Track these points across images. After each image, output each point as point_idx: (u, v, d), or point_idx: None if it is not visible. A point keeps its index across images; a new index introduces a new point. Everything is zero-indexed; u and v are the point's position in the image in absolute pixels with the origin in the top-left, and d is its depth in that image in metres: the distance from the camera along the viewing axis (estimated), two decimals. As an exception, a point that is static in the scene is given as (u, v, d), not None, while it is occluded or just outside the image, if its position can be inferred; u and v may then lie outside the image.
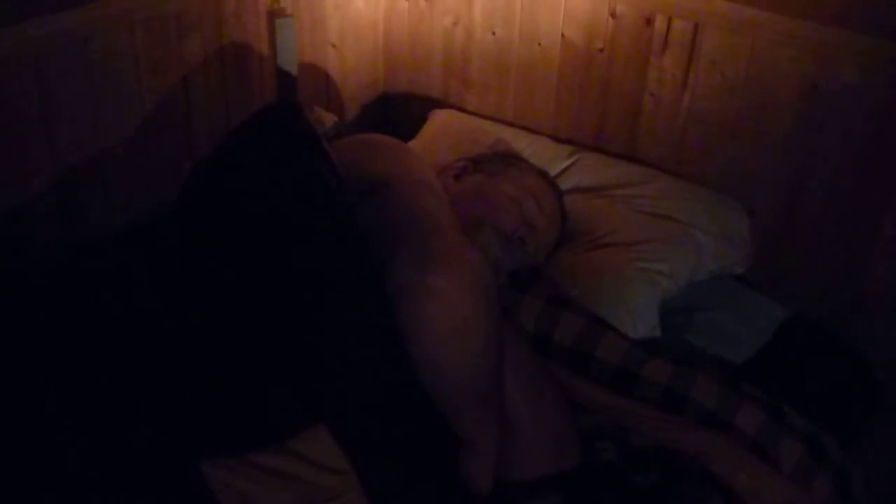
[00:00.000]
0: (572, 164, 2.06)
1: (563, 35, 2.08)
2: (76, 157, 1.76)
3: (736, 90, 1.90)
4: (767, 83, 1.86)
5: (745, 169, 1.95)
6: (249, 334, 1.20)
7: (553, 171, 2.02)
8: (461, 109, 2.28)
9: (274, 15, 2.01)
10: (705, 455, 1.47)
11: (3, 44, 1.59)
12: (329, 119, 2.01)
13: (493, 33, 2.18)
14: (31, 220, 1.72)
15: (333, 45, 2.23)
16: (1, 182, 1.66)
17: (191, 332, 1.21)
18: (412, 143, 2.14)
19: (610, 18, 2.01)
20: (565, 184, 2.00)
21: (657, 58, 1.97)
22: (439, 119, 2.22)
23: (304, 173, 1.29)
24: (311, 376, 1.20)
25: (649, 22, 1.96)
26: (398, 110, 2.41)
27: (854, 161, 1.82)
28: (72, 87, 1.71)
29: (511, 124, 2.21)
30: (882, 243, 1.84)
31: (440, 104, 2.31)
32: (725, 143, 1.95)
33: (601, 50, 2.04)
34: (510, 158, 1.90)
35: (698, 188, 1.98)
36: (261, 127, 1.38)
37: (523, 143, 2.11)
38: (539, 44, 2.12)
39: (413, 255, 1.23)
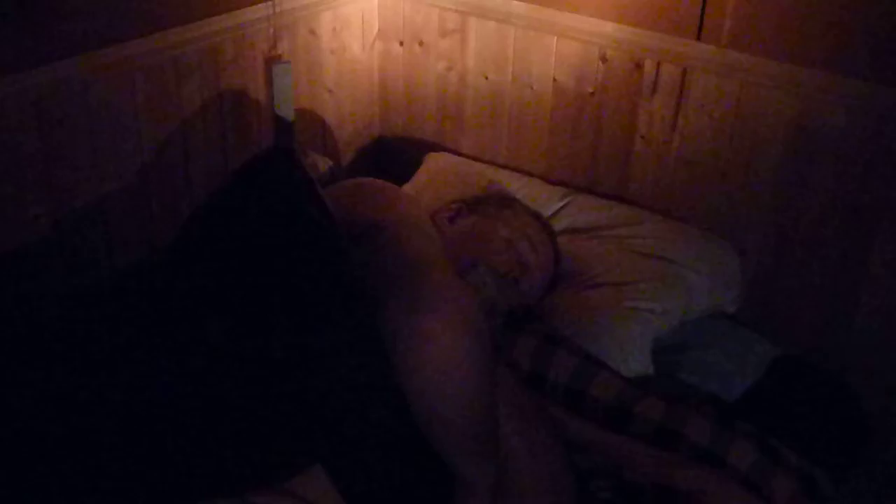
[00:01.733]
0: (565, 205, 2.07)
1: (554, 79, 2.10)
2: (76, 200, 1.77)
3: (724, 132, 1.92)
4: (755, 124, 1.88)
5: (734, 209, 1.97)
6: (248, 378, 1.20)
7: (546, 213, 2.04)
8: (456, 152, 2.30)
9: (271, 61, 2.03)
10: (700, 492, 1.47)
11: (6, 89, 1.61)
12: (324, 163, 2.02)
13: (486, 77, 2.20)
14: (34, 261, 1.73)
15: (329, 91, 2.25)
16: (2, 223, 1.67)
17: (190, 377, 1.21)
18: (407, 186, 2.16)
19: (600, 63, 2.03)
20: (558, 225, 2.02)
21: (647, 101, 2.00)
22: (434, 162, 2.24)
23: (299, 218, 1.30)
24: (308, 419, 1.20)
25: (639, 66, 1.98)
26: (393, 154, 2.43)
27: (842, 201, 1.83)
28: (72, 132, 1.73)
29: (504, 166, 2.23)
30: (868, 282, 1.85)
31: (435, 147, 2.33)
32: (715, 183, 1.97)
33: (592, 93, 2.07)
34: (504, 200, 1.93)
35: (689, 228, 1.99)
36: (256, 173, 1.39)
37: (517, 185, 2.13)
38: (531, 87, 2.14)
39: (405, 297, 1.24)
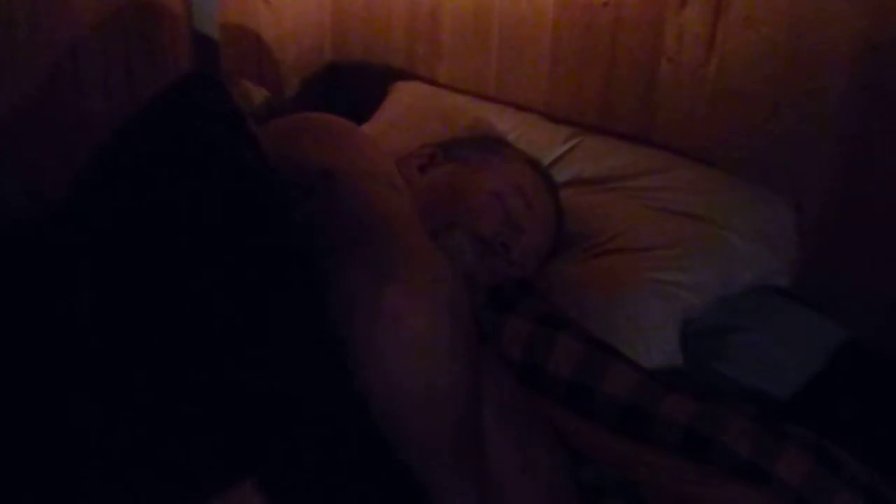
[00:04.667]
0: (571, 149, 2.09)
1: (557, -14, 2.12)
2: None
3: (776, 53, 1.93)
4: (815, 43, 1.89)
5: (789, 153, 1.98)
6: (160, 372, 1.21)
7: (546, 159, 2.05)
8: (430, 82, 2.31)
9: (188, -38, 2.03)
10: (739, 515, 1.50)
11: None
12: (259, 94, 2.02)
13: (470, -16, 2.22)
14: None
15: (266, 0, 2.25)
16: None
17: (86, 368, 1.22)
18: (367, 126, 2.16)
19: (616, -36, 2.04)
20: (562, 174, 2.04)
21: (676, 13, 2.01)
22: (402, 94, 2.24)
23: (225, 165, 1.31)
24: (238, 422, 1.21)
25: (666, -32, 2.00)
26: (349, 84, 2.43)
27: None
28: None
29: (493, 100, 2.24)
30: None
31: (403, 76, 2.34)
32: (764, 119, 1.98)
33: (605, 4, 2.07)
34: (491, 143, 1.94)
35: (730, 178, 2.01)
36: (169, 107, 1.39)
37: (508, 124, 2.14)
38: (527, -3, 2.16)
39: (365, 266, 1.24)
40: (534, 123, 2.16)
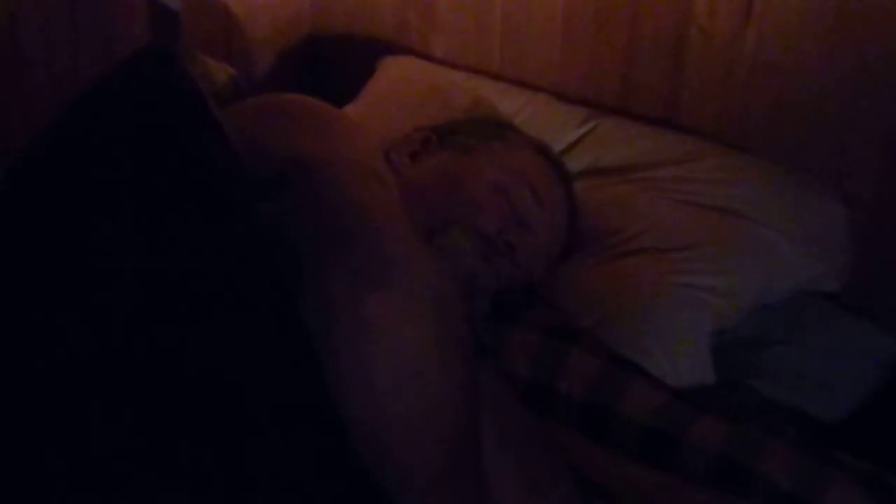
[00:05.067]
0: (586, 133, 2.10)
1: (570, -55, 2.12)
2: None
3: (824, 21, 1.93)
4: (871, 9, 1.89)
5: (839, 138, 1.99)
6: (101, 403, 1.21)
7: (559, 145, 2.05)
8: (425, 57, 2.31)
9: (144, -84, 2.02)
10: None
11: None
12: (224, 73, 2.01)
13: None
14: None
15: (235, -36, 2.26)
16: None
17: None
18: (350, 108, 2.16)
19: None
20: (576, 163, 2.04)
21: (708, -25, 2.01)
22: (391, 71, 2.25)
23: (182, 154, 1.30)
24: (189, 446, 1.21)
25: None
26: (331, 59, 2.44)
27: None
28: None
29: (497, 77, 2.24)
30: None
31: (393, 49, 2.34)
32: (808, 98, 1.99)
33: (626, -34, 2.09)
34: (494, 127, 1.93)
35: (770, 166, 2.01)
36: (121, 88, 1.39)
37: (514, 105, 2.14)
38: (536, -41, 2.16)
39: (342, 272, 1.25)
40: (543, 104, 2.16)
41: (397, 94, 2.18)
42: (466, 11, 2.26)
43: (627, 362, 1.61)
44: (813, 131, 2.01)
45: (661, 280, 1.81)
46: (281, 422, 1.20)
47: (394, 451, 1.26)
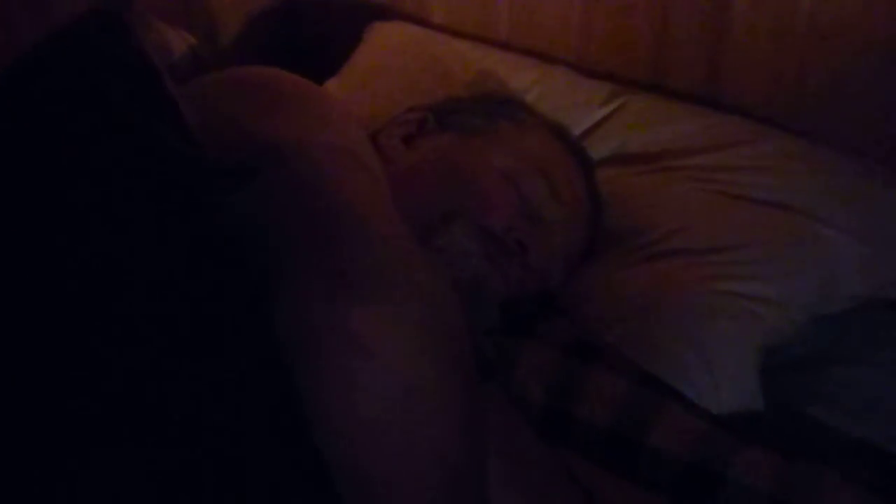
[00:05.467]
0: (612, 113, 2.08)
1: None
2: None
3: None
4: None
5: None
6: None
7: (579, 127, 2.05)
8: (420, 23, 2.31)
9: None
10: None
11: None
12: (182, 42, 2.01)
13: None
14: None
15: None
16: None
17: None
18: (332, 83, 2.17)
19: None
20: (600, 148, 2.03)
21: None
22: (381, 39, 2.25)
23: (131, 135, 1.29)
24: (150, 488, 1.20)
25: None
26: (310, 25, 2.43)
27: None
28: None
29: (505, 47, 2.23)
30: None
31: (384, 14, 2.35)
32: (876, 74, 1.97)
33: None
34: (503, 106, 1.92)
35: (831, 153, 1.99)
36: (58, 58, 1.38)
37: (527, 79, 2.13)
38: None
39: (319, 278, 1.23)
40: (561, 79, 2.15)
41: (388, 66, 2.18)
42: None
43: (660, 385, 1.60)
44: (880, 111, 1.99)
45: (700, 287, 1.79)
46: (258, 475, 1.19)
47: (382, 493, 1.24)
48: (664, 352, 1.69)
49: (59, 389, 1.15)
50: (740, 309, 1.77)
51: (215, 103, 1.48)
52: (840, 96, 2.01)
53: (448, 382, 1.24)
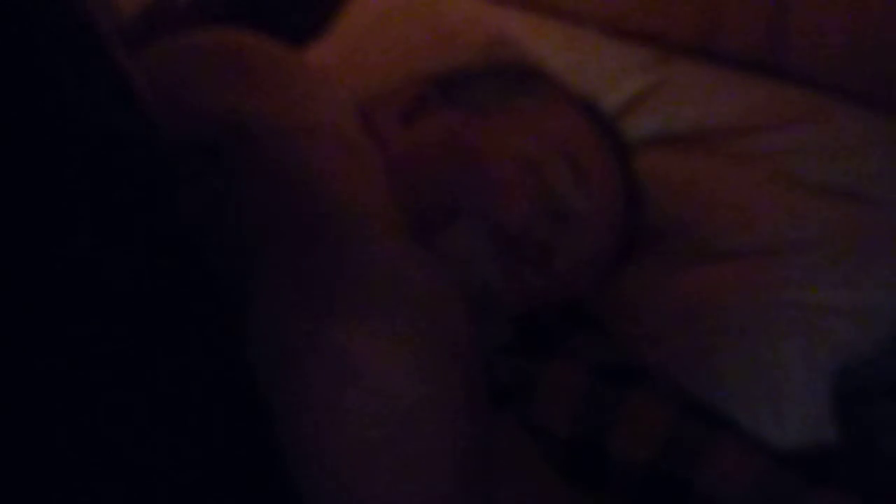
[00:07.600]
0: (653, 86, 2.09)
1: None
2: None
3: None
4: None
5: None
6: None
7: (613, 102, 2.06)
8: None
9: None
10: None
11: None
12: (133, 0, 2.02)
13: None
14: None
15: None
16: None
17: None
18: (315, 52, 2.18)
19: None
20: (637, 127, 2.04)
21: None
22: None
23: (74, 116, 1.30)
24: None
25: None
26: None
27: None
28: None
29: (525, 6, 2.24)
30: None
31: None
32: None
33: None
34: (521, 78, 1.92)
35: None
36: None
37: (551, 45, 2.14)
38: None
39: (294, 283, 1.25)
40: (591, 44, 2.16)
41: (381, 29, 2.19)
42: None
43: (711, 415, 1.62)
44: None
45: (759, 296, 1.80)
46: None
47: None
48: (717, 374, 1.70)
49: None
50: (807, 322, 1.78)
51: (173, 73, 1.50)
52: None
53: (450, 409, 1.26)
